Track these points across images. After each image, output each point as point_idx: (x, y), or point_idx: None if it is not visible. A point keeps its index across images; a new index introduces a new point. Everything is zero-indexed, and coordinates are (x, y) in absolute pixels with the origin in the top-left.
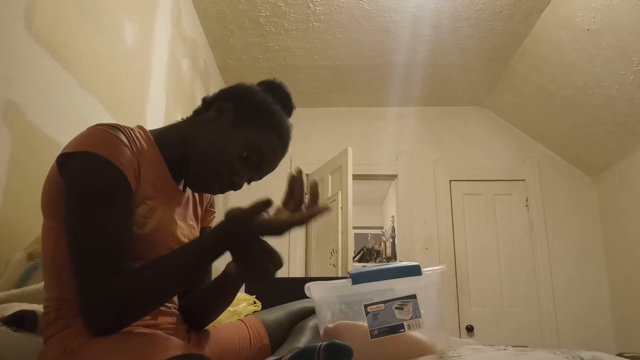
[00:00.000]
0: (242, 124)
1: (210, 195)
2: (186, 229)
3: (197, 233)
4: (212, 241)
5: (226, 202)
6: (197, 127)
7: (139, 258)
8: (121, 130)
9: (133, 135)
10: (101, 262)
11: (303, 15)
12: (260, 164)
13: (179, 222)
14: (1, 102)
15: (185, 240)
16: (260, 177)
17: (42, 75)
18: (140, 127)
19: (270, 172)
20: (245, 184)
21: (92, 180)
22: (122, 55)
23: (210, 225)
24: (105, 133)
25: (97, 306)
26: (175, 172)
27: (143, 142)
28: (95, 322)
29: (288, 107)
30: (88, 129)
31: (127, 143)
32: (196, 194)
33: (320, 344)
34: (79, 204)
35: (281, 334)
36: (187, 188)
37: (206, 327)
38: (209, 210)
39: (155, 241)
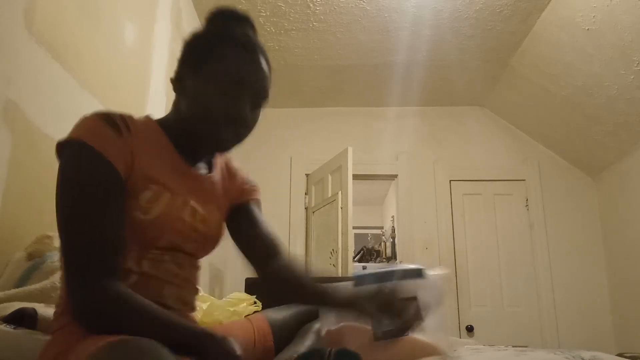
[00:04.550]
0: (199, 68)
1: (235, 170)
2: (205, 212)
3: (218, 216)
4: (185, 337)
5: None
6: (177, 102)
7: (149, 245)
8: (114, 118)
9: (127, 121)
10: (86, 261)
11: (303, 15)
12: (242, 84)
13: (195, 205)
14: (1, 102)
15: (200, 225)
16: (262, 97)
17: (42, 75)
18: (145, 116)
19: (266, 84)
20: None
21: (79, 174)
22: (122, 55)
23: (253, 197)
24: (96, 122)
25: (80, 303)
26: (187, 153)
27: (142, 127)
28: (83, 320)
29: (236, 20)
30: (83, 116)
31: (120, 129)
32: (218, 175)
33: (330, 348)
34: (67, 197)
35: (288, 333)
36: (209, 169)
37: (209, 326)
38: (244, 188)
39: (164, 226)
